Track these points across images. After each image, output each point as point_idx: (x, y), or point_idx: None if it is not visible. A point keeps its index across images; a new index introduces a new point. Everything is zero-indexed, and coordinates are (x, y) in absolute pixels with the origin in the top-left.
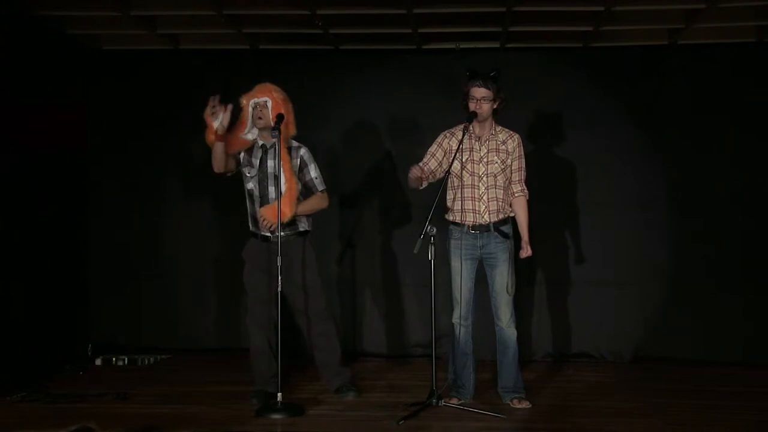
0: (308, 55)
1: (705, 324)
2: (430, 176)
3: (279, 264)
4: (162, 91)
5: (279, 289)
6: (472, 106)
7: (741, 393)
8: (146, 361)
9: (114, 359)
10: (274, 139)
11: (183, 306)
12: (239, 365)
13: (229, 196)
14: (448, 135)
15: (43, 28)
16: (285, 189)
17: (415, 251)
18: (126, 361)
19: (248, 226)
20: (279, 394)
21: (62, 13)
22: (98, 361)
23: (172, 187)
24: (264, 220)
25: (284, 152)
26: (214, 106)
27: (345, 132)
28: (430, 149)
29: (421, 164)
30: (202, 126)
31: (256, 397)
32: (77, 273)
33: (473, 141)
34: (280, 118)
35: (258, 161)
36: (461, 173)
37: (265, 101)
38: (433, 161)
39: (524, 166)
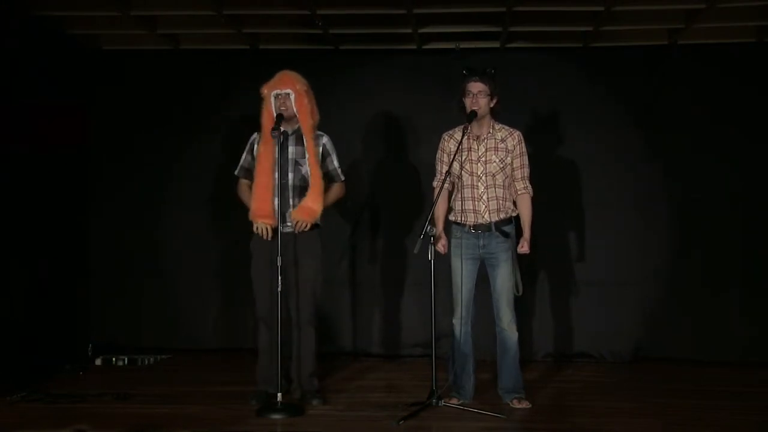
0: (308, 55)
1: (705, 324)
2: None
3: (279, 264)
4: (162, 91)
5: (279, 288)
6: (468, 102)
7: (741, 393)
8: (146, 361)
9: (114, 359)
10: (297, 125)
11: (183, 306)
12: (239, 365)
13: (230, 195)
14: (446, 137)
15: (43, 28)
16: (311, 183)
17: (415, 251)
18: (126, 361)
19: (250, 222)
20: (279, 394)
21: (62, 13)
22: (98, 361)
23: (172, 186)
24: (298, 223)
25: (310, 142)
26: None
27: (345, 132)
28: (437, 156)
29: (437, 177)
30: (202, 127)
31: (255, 398)
32: (77, 273)
33: (471, 140)
34: (279, 118)
35: (278, 147)
36: (461, 173)
37: (287, 93)
38: (445, 168)
39: (527, 162)
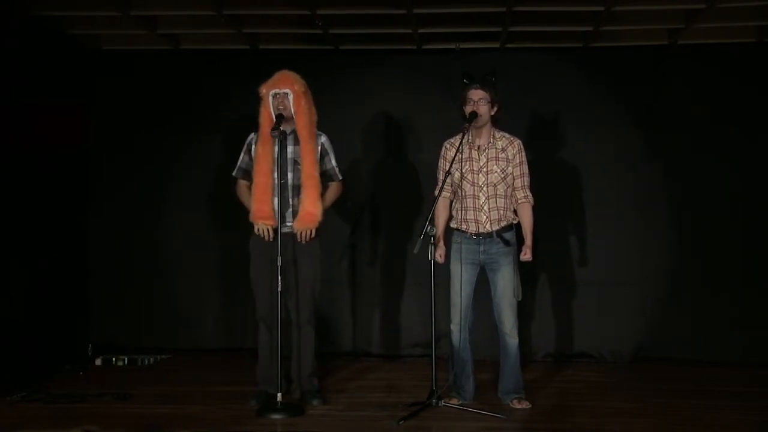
0: (308, 55)
1: (705, 324)
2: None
3: (279, 264)
4: (162, 91)
5: (279, 288)
6: (469, 110)
7: (741, 393)
8: (146, 361)
9: (114, 359)
10: (293, 127)
11: (183, 306)
12: (239, 365)
13: (230, 195)
14: (447, 146)
15: (43, 28)
16: (308, 185)
17: (415, 251)
18: (126, 361)
19: (250, 223)
20: (279, 394)
21: (62, 13)
22: (98, 361)
23: (172, 186)
24: (302, 233)
25: (308, 142)
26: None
27: (345, 132)
28: (439, 164)
29: (439, 186)
30: (202, 127)
31: (255, 398)
32: (77, 273)
33: (472, 150)
34: (279, 118)
35: (278, 147)
36: (461, 183)
37: (285, 93)
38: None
39: (527, 171)
